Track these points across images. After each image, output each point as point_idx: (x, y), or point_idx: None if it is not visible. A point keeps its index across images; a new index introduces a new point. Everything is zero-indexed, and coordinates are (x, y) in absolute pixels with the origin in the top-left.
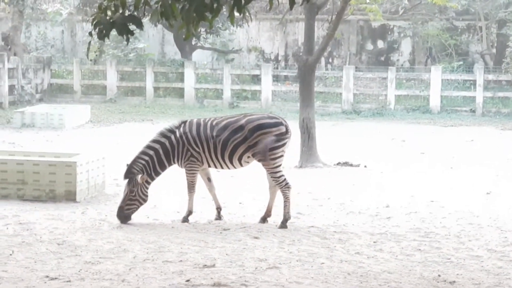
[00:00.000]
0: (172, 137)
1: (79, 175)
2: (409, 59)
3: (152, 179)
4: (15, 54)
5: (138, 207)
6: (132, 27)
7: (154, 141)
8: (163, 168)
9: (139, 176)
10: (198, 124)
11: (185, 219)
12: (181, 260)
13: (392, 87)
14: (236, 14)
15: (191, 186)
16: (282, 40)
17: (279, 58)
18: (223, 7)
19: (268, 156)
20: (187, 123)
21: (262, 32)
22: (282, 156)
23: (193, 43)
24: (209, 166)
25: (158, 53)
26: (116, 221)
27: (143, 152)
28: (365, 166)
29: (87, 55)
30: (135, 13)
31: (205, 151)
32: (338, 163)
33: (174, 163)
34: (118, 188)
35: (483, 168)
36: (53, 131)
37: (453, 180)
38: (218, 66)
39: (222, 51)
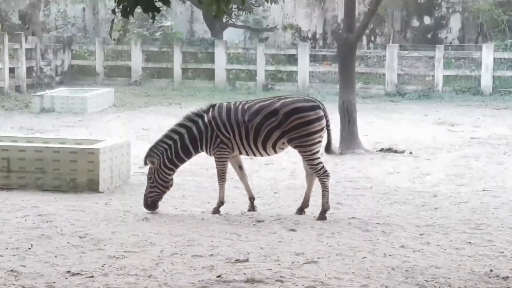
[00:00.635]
0: (200, 122)
1: (102, 163)
2: (458, 36)
3: (175, 165)
4: (33, 34)
5: (160, 194)
6: (158, 4)
7: (180, 125)
8: (188, 155)
9: (153, 160)
10: (228, 108)
11: (216, 210)
12: (211, 254)
13: (440, 67)
14: None
15: (221, 175)
16: (320, 16)
17: (317, 36)
18: None
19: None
20: (216, 107)
21: (298, 8)
22: (319, 142)
23: (224, 20)
24: (240, 153)
25: (186, 32)
26: (142, 212)
27: (166, 136)
28: (411, 153)
29: (110, 35)
30: None
31: (236, 137)
32: (381, 150)
33: (202, 150)
34: (143, 177)
35: None
36: (74, 116)
37: (506, 168)
38: (251, 45)
39: (256, 29)
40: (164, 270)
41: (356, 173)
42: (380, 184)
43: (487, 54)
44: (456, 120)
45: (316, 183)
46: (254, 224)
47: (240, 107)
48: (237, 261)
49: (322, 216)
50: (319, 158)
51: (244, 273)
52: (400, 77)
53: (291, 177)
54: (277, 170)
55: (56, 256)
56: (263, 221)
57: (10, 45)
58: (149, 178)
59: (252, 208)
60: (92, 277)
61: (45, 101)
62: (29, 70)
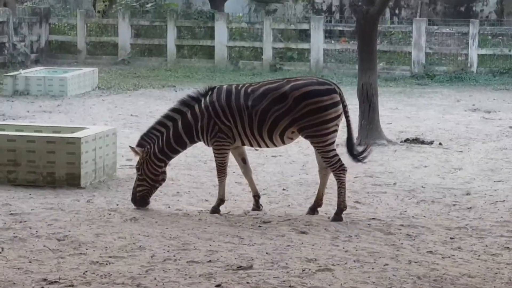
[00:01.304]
0: (196, 107)
1: (84, 155)
2: (496, 9)
3: (167, 156)
4: (5, 5)
5: (149, 189)
6: None
7: (173, 110)
8: (182, 145)
9: (141, 149)
10: (229, 92)
11: (215, 210)
12: (210, 261)
13: (475, 45)
14: None
15: (221, 169)
16: None
17: (333, 9)
18: None
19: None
20: (215, 90)
21: None
22: (335, 131)
23: None
24: (243, 144)
25: (182, 4)
26: (130, 212)
27: (159, 122)
28: (440, 144)
29: (94, 6)
30: None
31: (237, 125)
32: (406, 140)
33: (199, 140)
34: (132, 171)
35: None
36: (52, 100)
37: None
38: (256, 19)
39: (262, 1)
40: (155, 278)
41: (377, 167)
42: (404, 180)
43: None
44: (493, 106)
45: (331, 178)
46: (259, 226)
47: (242, 90)
48: (240, 268)
49: (337, 217)
50: (334, 150)
51: (248, 282)
52: (428, 57)
53: (302, 172)
54: (286, 164)
55: (30, 262)
56: (270, 222)
57: None
58: (137, 169)
59: (257, 207)
60: (72, 286)
61: (18, 83)
62: (0, 47)
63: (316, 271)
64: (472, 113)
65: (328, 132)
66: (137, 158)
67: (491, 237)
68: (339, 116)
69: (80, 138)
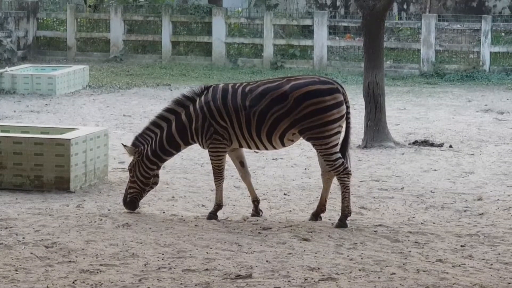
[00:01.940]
0: (191, 107)
1: (74, 157)
2: (510, 5)
3: (159, 158)
4: None
5: (139, 192)
6: None
7: (168, 110)
8: (176, 147)
9: (132, 148)
10: (225, 91)
11: (213, 215)
12: (207, 269)
13: (487, 42)
14: None
15: (218, 173)
16: None
17: (337, 3)
18: None
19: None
20: (211, 90)
21: None
22: (338, 133)
23: None
24: (241, 146)
25: None
26: (122, 218)
27: (153, 123)
28: (450, 146)
29: (85, 0)
30: None
31: (234, 126)
32: (415, 142)
33: (194, 142)
34: (124, 174)
35: None
36: (40, 99)
37: None
38: (256, 14)
39: None
40: (149, 287)
41: (384, 170)
42: (413, 185)
43: None
44: (506, 107)
45: (335, 182)
46: (259, 232)
47: (240, 89)
48: (238, 277)
49: (342, 223)
50: (338, 152)
51: None
52: (438, 54)
53: (304, 175)
54: (287, 167)
55: (16, 270)
56: (270, 228)
57: None
58: (129, 171)
59: (256, 212)
60: None
61: (4, 81)
62: None
63: (319, 280)
64: (484, 114)
65: (331, 134)
66: (130, 159)
67: (504, 244)
68: (342, 117)
69: (69, 139)
